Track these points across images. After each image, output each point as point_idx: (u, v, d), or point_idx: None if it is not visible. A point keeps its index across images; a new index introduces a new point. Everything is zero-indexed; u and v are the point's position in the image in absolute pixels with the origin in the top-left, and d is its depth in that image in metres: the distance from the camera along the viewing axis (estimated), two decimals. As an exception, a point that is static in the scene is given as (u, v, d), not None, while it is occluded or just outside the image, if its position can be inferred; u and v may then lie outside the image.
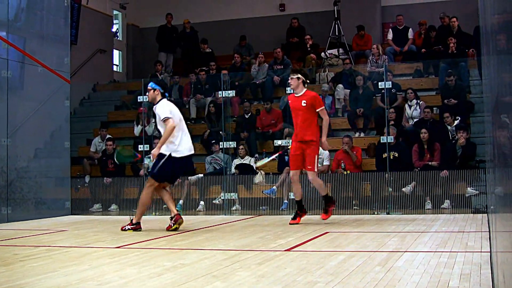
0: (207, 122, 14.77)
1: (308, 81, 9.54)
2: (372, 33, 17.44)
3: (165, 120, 8.46)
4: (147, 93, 8.93)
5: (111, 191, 13.12)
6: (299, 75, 9.32)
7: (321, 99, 9.69)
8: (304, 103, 9.19)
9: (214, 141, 13.41)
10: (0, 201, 11.06)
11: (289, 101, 9.52)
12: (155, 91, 8.73)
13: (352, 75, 14.50)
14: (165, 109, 8.54)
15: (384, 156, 11.74)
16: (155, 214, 12.19)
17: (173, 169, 8.65)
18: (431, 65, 14.87)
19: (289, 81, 9.54)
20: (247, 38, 18.14)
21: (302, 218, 9.47)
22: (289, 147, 12.55)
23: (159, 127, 8.71)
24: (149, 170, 9.62)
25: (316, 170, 9.30)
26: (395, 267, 5.45)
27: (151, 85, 8.79)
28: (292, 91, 9.57)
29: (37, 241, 8.20)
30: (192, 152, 8.87)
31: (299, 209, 9.51)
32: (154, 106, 8.73)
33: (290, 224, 9.24)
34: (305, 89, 9.34)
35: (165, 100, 8.73)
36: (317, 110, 9.24)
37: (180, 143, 8.60)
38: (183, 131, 8.72)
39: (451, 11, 16.10)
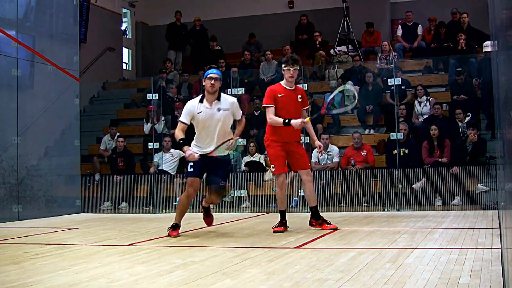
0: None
1: None
2: (381, 29, 17.39)
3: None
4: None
5: (121, 189, 13.14)
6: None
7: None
8: (300, 98, 8.26)
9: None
10: (10, 199, 11.11)
11: (281, 95, 8.15)
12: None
13: (361, 72, 14.46)
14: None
15: (394, 153, 11.72)
16: (164, 212, 12.21)
17: None
18: (441, 62, 14.82)
19: (291, 74, 8.10)
20: (256, 35, 18.13)
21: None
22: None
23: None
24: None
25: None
26: (405, 264, 5.43)
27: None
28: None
29: (48, 239, 8.23)
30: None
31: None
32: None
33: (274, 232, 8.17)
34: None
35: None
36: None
37: None
38: None
39: (460, 7, 16.03)
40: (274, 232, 8.09)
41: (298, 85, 8.60)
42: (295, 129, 8.01)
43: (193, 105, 7.92)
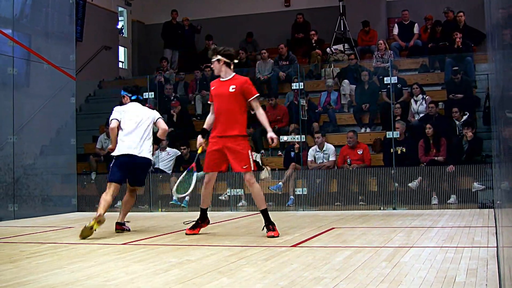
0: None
1: (235, 61, 7.75)
2: (377, 28, 17.39)
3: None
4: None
5: (117, 188, 13.09)
6: (219, 57, 7.62)
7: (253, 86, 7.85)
8: (232, 88, 7.66)
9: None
10: (6, 198, 11.09)
11: (212, 87, 7.82)
12: (125, 98, 9.16)
13: (357, 71, 14.48)
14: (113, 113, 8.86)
15: (392, 151, 11.72)
16: (161, 211, 12.21)
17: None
18: (437, 60, 14.83)
19: (211, 66, 7.95)
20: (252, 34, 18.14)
21: (202, 229, 7.92)
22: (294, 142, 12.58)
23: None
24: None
25: (252, 169, 7.56)
26: (402, 263, 5.44)
27: (121, 92, 9.30)
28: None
29: (44, 238, 8.22)
30: (129, 151, 8.50)
31: (201, 219, 7.92)
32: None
33: (186, 234, 7.82)
34: (234, 73, 7.75)
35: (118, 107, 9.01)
36: (249, 100, 7.82)
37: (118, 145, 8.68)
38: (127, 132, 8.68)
39: (457, 6, 16.05)
40: (187, 234, 7.80)
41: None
42: (230, 120, 7.67)
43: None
